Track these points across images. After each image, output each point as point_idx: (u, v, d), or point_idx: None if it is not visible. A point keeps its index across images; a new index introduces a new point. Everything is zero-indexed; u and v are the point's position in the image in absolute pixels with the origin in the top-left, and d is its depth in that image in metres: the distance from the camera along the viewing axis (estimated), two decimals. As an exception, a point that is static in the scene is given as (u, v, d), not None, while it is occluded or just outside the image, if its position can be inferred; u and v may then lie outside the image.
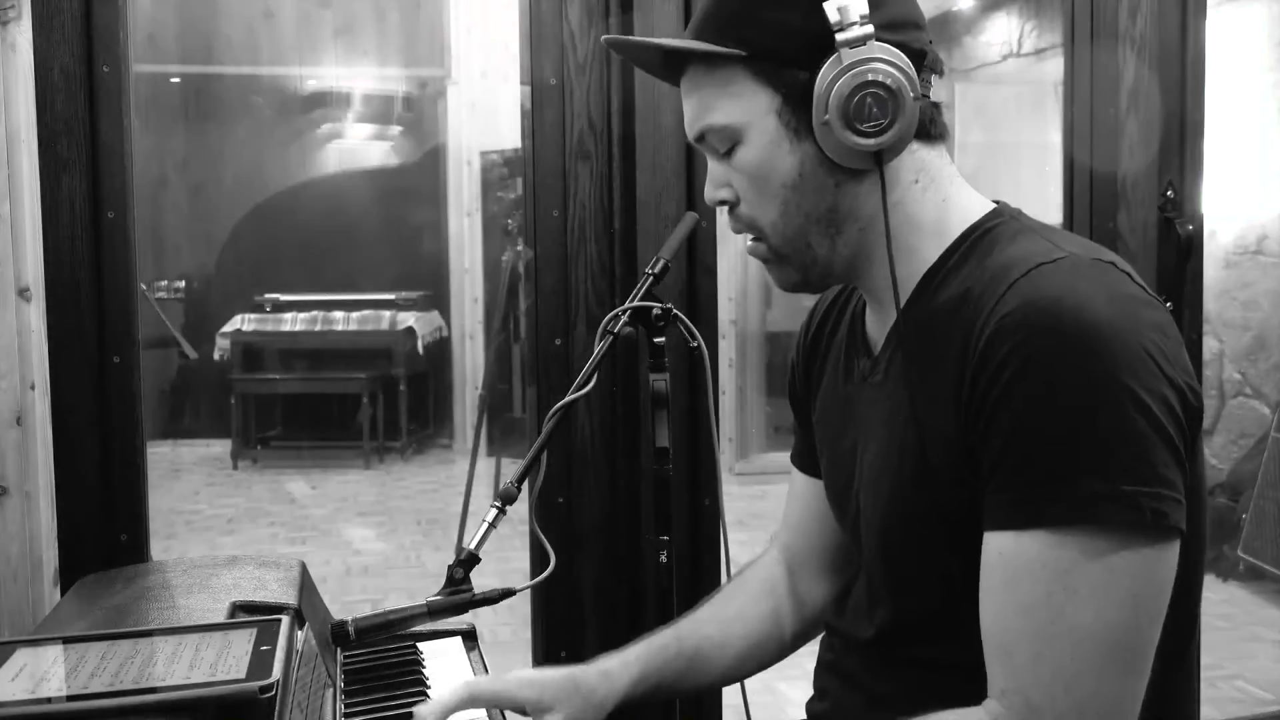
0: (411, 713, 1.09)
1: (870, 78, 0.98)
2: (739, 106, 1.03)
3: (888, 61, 0.98)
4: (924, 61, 1.02)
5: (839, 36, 0.97)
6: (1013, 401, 0.91)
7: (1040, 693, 0.90)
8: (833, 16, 0.97)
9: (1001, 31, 6.05)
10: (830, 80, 0.98)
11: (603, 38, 1.17)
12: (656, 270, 1.49)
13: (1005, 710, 0.92)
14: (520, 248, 4.32)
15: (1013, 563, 0.92)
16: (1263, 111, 4.34)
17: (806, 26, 0.99)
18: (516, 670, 1.16)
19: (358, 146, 7.54)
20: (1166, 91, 2.32)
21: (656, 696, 1.22)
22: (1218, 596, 3.98)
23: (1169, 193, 2.33)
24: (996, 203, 1.09)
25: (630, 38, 1.14)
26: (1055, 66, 5.16)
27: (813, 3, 0.98)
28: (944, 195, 1.06)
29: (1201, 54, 2.35)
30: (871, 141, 0.99)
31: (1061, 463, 0.89)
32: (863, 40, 0.97)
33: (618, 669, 1.18)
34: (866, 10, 0.97)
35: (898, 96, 0.98)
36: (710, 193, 1.10)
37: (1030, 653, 0.91)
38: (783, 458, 1.35)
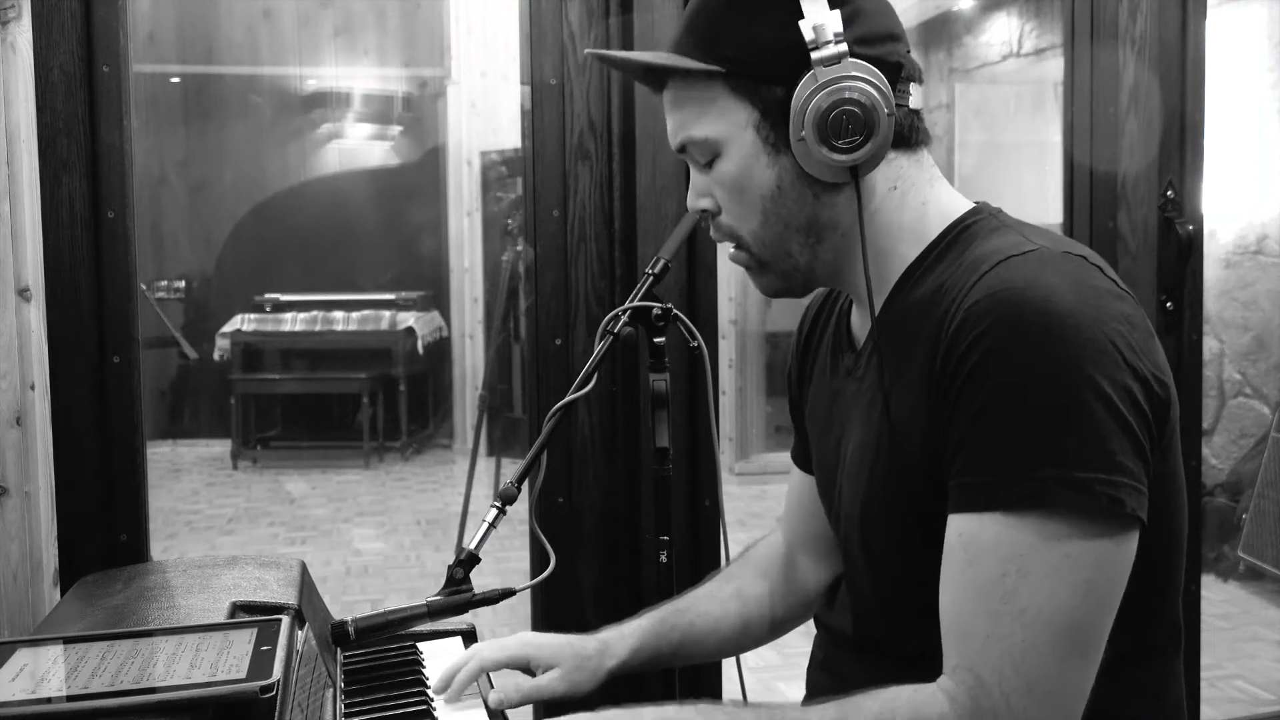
0: (412, 713, 1.09)
1: (844, 95, 0.99)
2: (718, 121, 1.05)
3: (862, 79, 1.00)
4: (901, 73, 1.04)
5: (814, 55, 0.99)
6: (975, 387, 0.92)
7: (990, 671, 0.92)
8: (808, 35, 0.99)
9: (1001, 31, 6.06)
10: (806, 98, 1.00)
11: (586, 50, 1.19)
12: (656, 270, 1.50)
13: (956, 686, 0.94)
14: (520, 248, 4.32)
15: (970, 544, 0.94)
16: (1263, 111, 4.34)
17: (783, 43, 1.00)
18: (520, 633, 1.28)
19: (358, 146, 7.54)
20: (1166, 91, 2.32)
21: (652, 667, 1.31)
22: (1218, 596, 3.97)
23: (1169, 193, 2.33)
24: (977, 203, 1.10)
25: (614, 52, 1.18)
26: (1055, 66, 5.16)
27: (788, 20, 1.00)
28: (923, 199, 1.08)
29: (1201, 54, 2.35)
30: (847, 158, 1.01)
31: (1019, 448, 0.91)
32: (837, 58, 0.99)
33: (615, 641, 1.28)
34: (841, 28, 0.99)
35: (872, 113, 1.00)
36: (692, 202, 1.12)
37: (982, 632, 0.92)
38: (782, 458, 1.38)
